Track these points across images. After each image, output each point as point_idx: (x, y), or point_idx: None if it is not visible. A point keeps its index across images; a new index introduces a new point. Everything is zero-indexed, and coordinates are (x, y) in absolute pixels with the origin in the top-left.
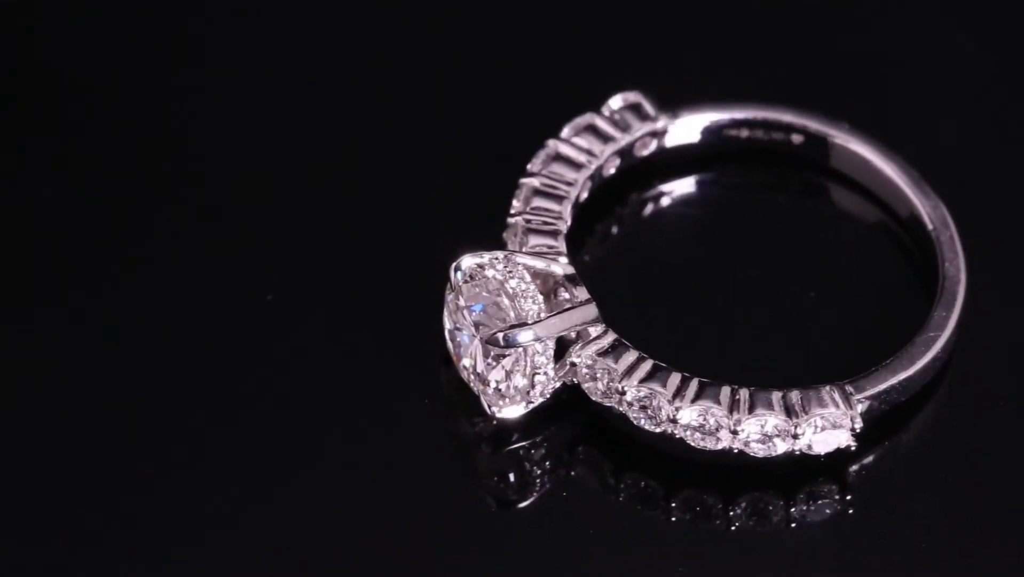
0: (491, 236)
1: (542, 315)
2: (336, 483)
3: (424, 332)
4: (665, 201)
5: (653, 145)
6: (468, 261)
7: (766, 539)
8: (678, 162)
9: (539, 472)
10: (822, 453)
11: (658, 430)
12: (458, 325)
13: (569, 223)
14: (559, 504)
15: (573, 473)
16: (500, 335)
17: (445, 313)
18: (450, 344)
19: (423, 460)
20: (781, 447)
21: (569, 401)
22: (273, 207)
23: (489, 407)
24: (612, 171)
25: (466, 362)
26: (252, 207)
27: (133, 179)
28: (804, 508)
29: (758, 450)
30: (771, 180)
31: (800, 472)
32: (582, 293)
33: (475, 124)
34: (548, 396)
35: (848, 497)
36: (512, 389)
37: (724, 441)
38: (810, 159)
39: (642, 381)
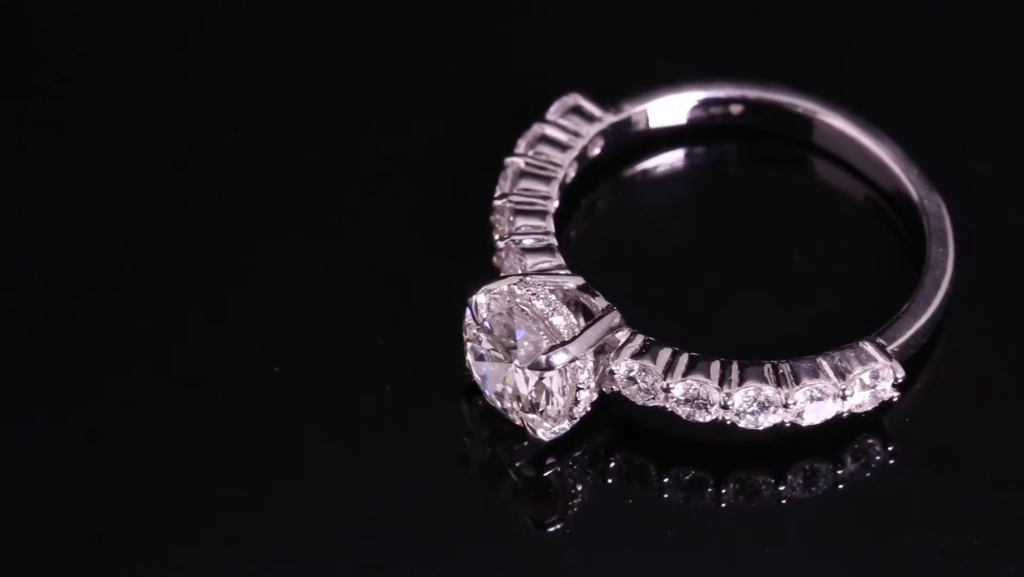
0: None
1: (575, 329)
2: (381, 518)
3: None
4: (651, 176)
5: (600, 145)
6: (483, 297)
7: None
8: (663, 138)
9: (586, 486)
10: (869, 409)
11: (709, 419)
12: (484, 357)
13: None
14: (621, 515)
15: (613, 481)
16: (542, 358)
17: (468, 348)
18: (477, 378)
19: (473, 495)
20: (832, 410)
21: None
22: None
23: (534, 431)
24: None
25: (499, 389)
26: (234, 205)
27: (129, 180)
28: (853, 468)
29: (811, 418)
30: (756, 155)
31: (838, 435)
32: (600, 301)
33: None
34: (589, 409)
35: (891, 448)
36: (557, 409)
37: (778, 415)
38: (794, 135)
39: (685, 374)
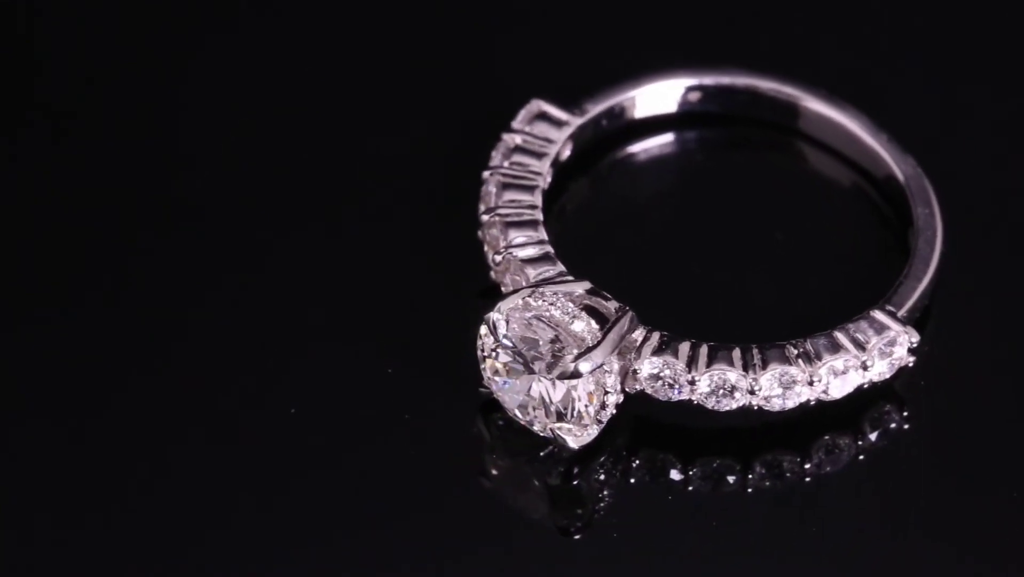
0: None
1: (596, 333)
2: (417, 537)
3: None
4: (639, 160)
5: (569, 148)
6: (500, 314)
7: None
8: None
9: (615, 489)
10: (888, 377)
11: (736, 406)
12: (505, 372)
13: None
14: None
15: (640, 480)
16: (571, 366)
17: (484, 365)
18: (499, 394)
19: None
20: (854, 382)
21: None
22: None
23: (564, 440)
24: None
25: (523, 403)
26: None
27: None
28: (873, 437)
29: (836, 393)
30: (743, 140)
31: (859, 405)
32: (612, 303)
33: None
34: (615, 411)
35: (906, 412)
36: (586, 415)
37: (804, 394)
38: (781, 122)
39: (708, 365)
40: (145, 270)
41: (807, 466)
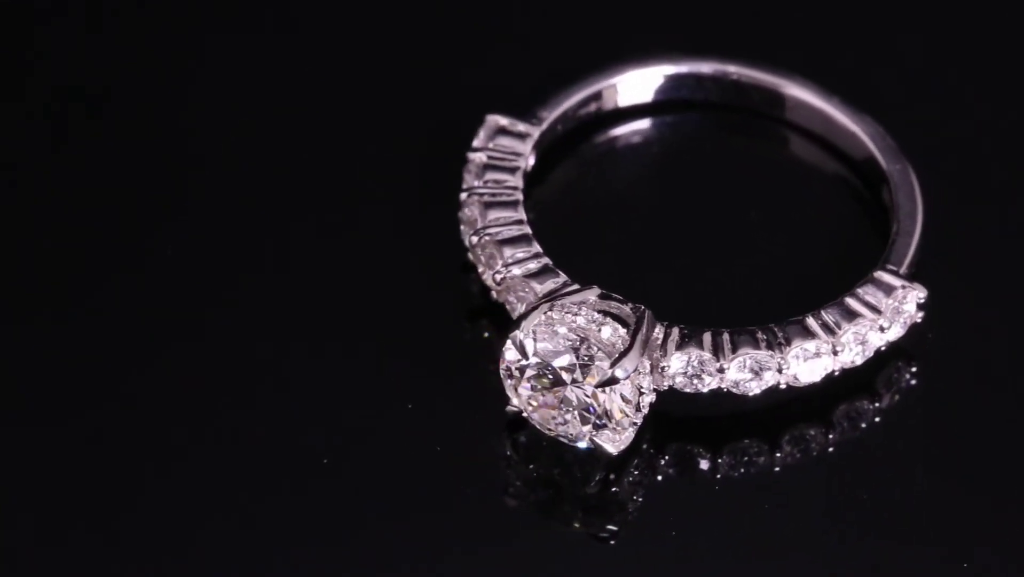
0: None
1: (624, 336)
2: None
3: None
4: (619, 145)
5: (533, 157)
6: (525, 332)
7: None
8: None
9: (653, 487)
10: (902, 335)
11: (763, 388)
12: (535, 389)
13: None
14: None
15: (675, 475)
16: (608, 373)
17: (509, 385)
18: (529, 412)
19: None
20: (874, 345)
21: None
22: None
23: (604, 447)
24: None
25: (557, 416)
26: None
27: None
28: (889, 398)
29: (859, 360)
30: (726, 126)
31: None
32: (626, 305)
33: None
34: (647, 411)
35: (914, 368)
36: (625, 420)
37: (830, 365)
38: (764, 109)
39: (734, 351)
40: (137, 271)
41: (830, 436)
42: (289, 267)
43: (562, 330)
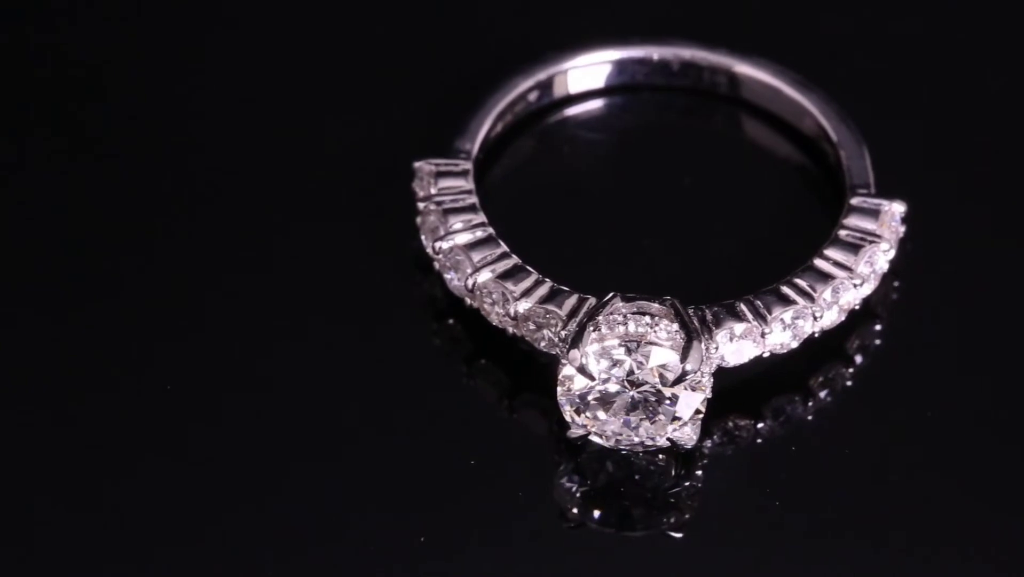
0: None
1: (676, 333)
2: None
3: None
4: (571, 127)
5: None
6: (581, 356)
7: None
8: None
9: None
10: (887, 269)
11: (800, 341)
12: (604, 406)
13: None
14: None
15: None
16: (680, 368)
17: (568, 409)
18: (597, 430)
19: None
20: (883, 268)
21: None
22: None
23: (683, 443)
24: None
25: (635, 425)
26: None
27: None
28: (862, 359)
29: (869, 289)
30: (676, 107)
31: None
32: (654, 301)
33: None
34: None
35: (879, 327)
36: (696, 415)
37: (852, 302)
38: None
39: (770, 312)
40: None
41: (821, 394)
42: (287, 266)
43: (615, 342)
